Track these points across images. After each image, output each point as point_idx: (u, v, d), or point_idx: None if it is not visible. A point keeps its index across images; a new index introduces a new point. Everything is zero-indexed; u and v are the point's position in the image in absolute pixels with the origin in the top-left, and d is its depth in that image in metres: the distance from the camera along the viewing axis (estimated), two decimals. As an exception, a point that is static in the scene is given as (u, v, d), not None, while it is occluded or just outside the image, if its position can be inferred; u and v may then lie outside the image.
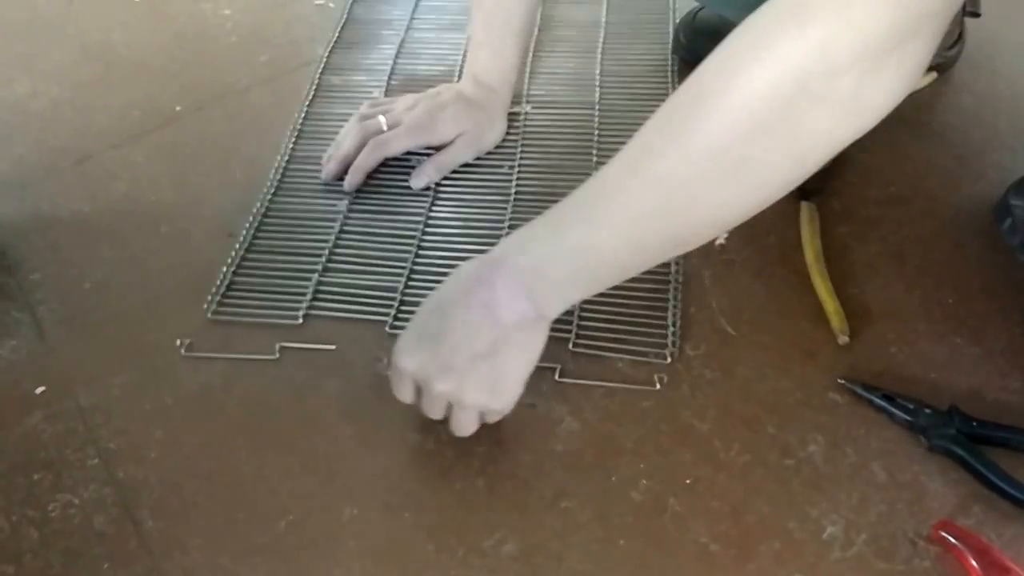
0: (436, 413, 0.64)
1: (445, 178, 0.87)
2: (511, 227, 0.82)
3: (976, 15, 0.92)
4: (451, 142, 0.87)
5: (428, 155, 0.87)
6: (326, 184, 0.87)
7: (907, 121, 0.89)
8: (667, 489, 0.64)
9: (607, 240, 0.57)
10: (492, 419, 0.65)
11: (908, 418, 0.65)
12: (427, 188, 0.86)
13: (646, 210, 0.55)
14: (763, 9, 0.49)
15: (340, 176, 0.86)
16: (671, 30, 1.03)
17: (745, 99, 0.49)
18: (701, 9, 0.98)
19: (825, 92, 0.48)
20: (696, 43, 0.96)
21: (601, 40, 1.03)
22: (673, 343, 0.72)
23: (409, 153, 0.87)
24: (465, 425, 0.64)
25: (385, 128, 0.86)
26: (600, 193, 0.58)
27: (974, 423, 0.64)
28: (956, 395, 0.67)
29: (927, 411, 0.65)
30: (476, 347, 0.60)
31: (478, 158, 0.89)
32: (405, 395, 0.65)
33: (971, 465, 0.63)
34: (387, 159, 0.87)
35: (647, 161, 0.55)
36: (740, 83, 0.49)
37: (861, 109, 0.50)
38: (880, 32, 0.46)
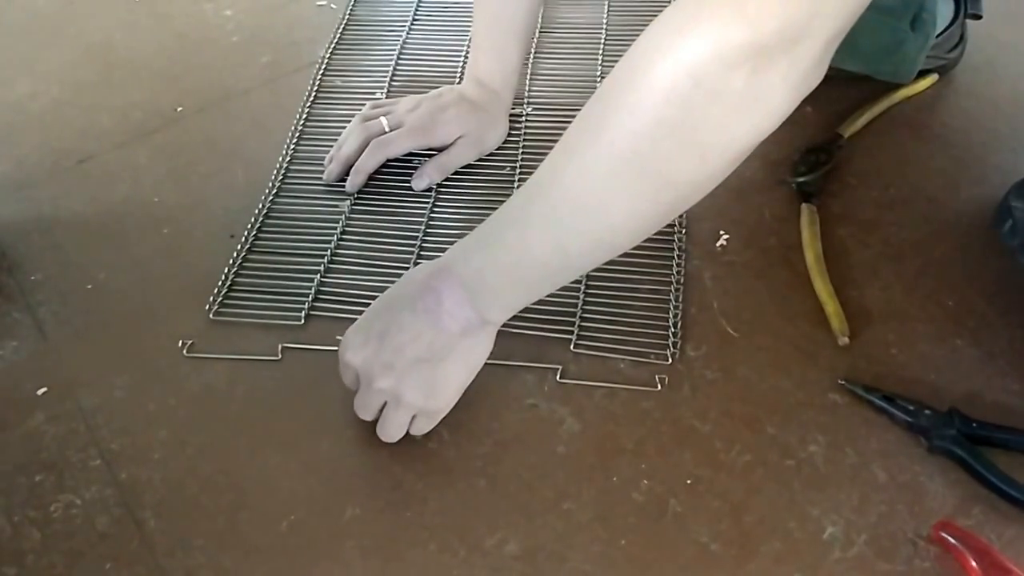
0: (370, 412, 0.66)
1: (446, 179, 0.87)
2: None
3: (977, 17, 0.92)
4: (453, 143, 0.87)
5: (430, 156, 0.87)
6: (328, 185, 0.87)
7: (908, 123, 0.90)
8: (668, 489, 0.64)
9: (535, 243, 0.60)
10: (421, 427, 0.67)
11: (908, 419, 0.66)
12: (428, 189, 0.86)
13: (565, 211, 0.58)
14: (669, 7, 0.51)
15: (342, 177, 0.86)
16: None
17: (647, 96, 0.51)
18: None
19: (719, 88, 0.49)
20: None
21: (602, 42, 1.03)
22: (674, 344, 0.72)
23: (411, 154, 0.88)
24: (394, 428, 0.66)
25: (387, 129, 0.86)
26: (528, 196, 0.60)
27: (974, 424, 0.65)
28: (956, 396, 0.68)
29: (927, 412, 0.65)
30: (418, 350, 0.63)
31: (479, 159, 0.89)
32: (349, 382, 0.68)
33: (971, 466, 0.63)
34: (389, 160, 0.87)
35: (566, 161, 0.57)
36: (643, 81, 0.51)
37: (755, 106, 0.51)
38: (771, 29, 0.47)
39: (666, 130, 0.51)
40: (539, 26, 1.04)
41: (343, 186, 0.86)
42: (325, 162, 0.88)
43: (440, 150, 0.87)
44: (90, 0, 1.14)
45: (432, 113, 0.87)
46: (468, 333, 0.64)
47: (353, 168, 0.86)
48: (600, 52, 1.01)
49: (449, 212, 0.84)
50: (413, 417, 0.66)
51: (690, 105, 0.50)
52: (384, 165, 0.87)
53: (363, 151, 0.86)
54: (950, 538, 0.59)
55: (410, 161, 0.88)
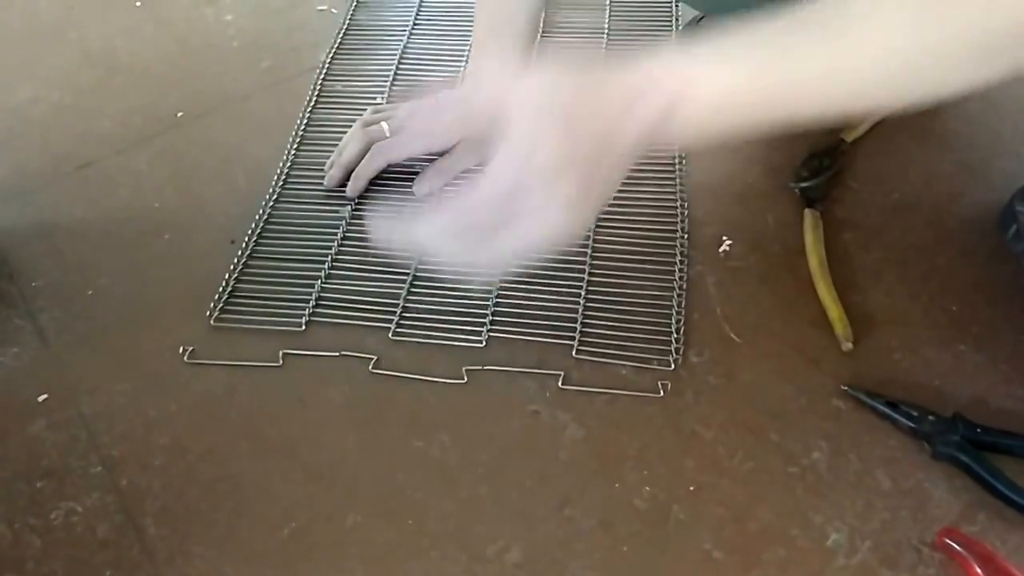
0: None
1: (447, 185, 0.87)
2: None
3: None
4: (454, 148, 0.87)
5: (432, 161, 0.87)
6: (329, 190, 0.87)
7: (911, 127, 0.89)
8: (671, 496, 0.64)
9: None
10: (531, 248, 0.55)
11: (912, 425, 0.65)
12: (430, 194, 0.86)
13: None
14: None
15: (343, 183, 0.86)
16: (674, 37, 1.02)
17: None
18: (703, 17, 0.98)
19: None
20: None
21: (603, 47, 1.03)
22: (677, 350, 0.72)
23: (413, 159, 0.87)
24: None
25: (388, 134, 0.86)
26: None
27: (978, 430, 0.64)
28: (960, 402, 0.67)
29: (931, 418, 0.65)
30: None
31: (480, 164, 0.89)
32: None
33: (976, 472, 0.63)
34: (390, 166, 0.87)
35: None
36: None
37: None
38: None
39: None
40: (540, 30, 1.04)
41: (344, 191, 0.86)
42: (326, 167, 0.88)
43: (442, 155, 0.87)
44: (90, 5, 1.14)
45: (433, 117, 0.86)
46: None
47: (353, 174, 0.85)
48: (601, 57, 1.01)
49: (451, 217, 0.84)
50: None
51: None
52: (385, 170, 0.87)
53: (364, 156, 0.85)
54: (955, 545, 0.59)
55: (412, 166, 0.88)
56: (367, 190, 0.86)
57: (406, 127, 0.86)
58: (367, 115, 0.90)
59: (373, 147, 0.85)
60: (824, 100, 0.52)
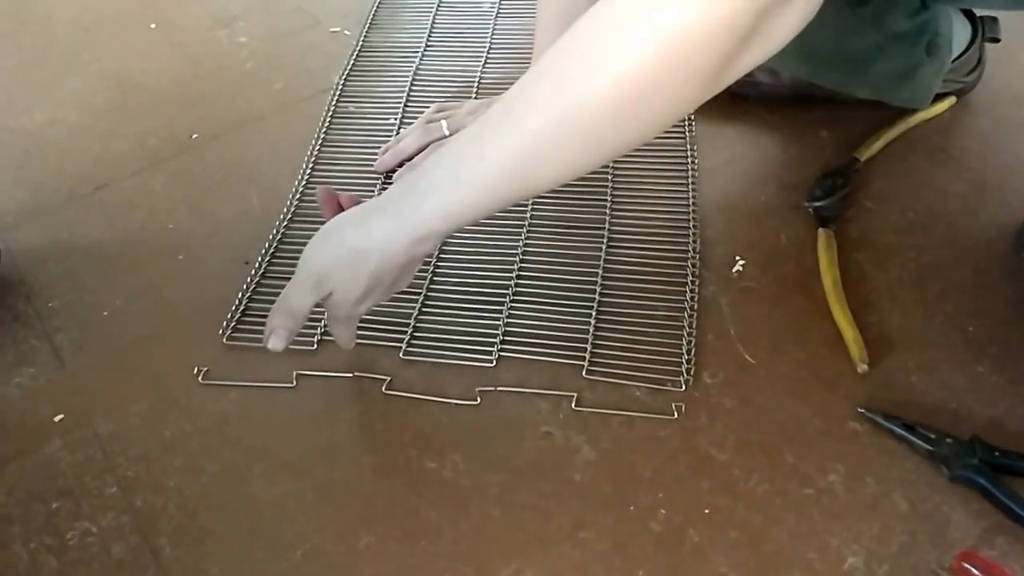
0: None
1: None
2: (524, 253, 0.82)
3: (995, 40, 0.92)
4: None
5: None
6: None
7: (925, 146, 0.89)
8: (686, 519, 0.63)
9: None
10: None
11: (930, 448, 0.65)
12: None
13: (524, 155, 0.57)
14: None
15: (392, 170, 0.89)
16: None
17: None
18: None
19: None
20: None
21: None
22: (689, 371, 0.72)
23: None
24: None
25: (447, 133, 0.89)
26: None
27: (997, 453, 0.64)
28: (978, 424, 0.67)
29: (949, 440, 0.65)
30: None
31: None
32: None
33: (994, 495, 0.62)
34: None
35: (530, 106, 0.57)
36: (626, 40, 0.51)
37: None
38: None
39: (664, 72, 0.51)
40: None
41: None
42: (380, 152, 0.91)
43: None
44: (106, 28, 1.15)
45: None
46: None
47: (408, 163, 0.88)
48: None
49: (462, 237, 0.84)
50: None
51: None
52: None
53: (419, 150, 0.88)
54: (973, 569, 0.58)
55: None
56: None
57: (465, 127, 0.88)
58: (429, 113, 0.92)
59: (433, 144, 0.88)
60: (501, 192, 0.59)
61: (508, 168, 0.57)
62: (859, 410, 0.68)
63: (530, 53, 0.92)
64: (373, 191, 0.89)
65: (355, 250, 0.62)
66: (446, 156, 0.60)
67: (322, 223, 0.85)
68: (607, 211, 0.85)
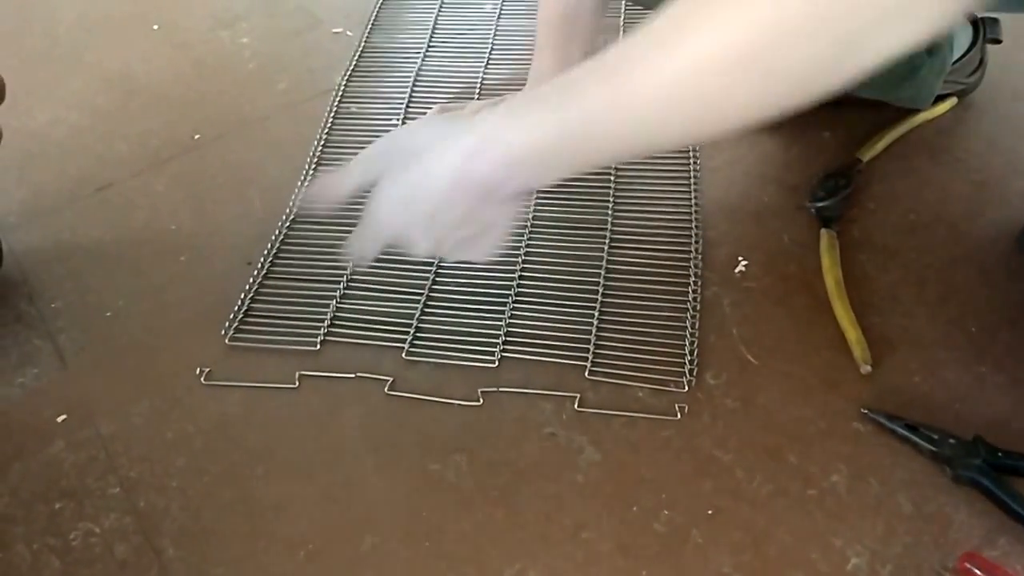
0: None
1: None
2: (527, 254, 0.82)
3: (997, 42, 0.92)
4: None
5: None
6: (345, 211, 0.87)
7: (927, 147, 0.89)
8: (689, 520, 0.63)
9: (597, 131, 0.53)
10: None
11: (933, 448, 0.65)
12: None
13: (650, 107, 0.50)
14: None
15: None
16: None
17: None
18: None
19: None
20: None
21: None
22: (691, 371, 0.72)
23: None
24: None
25: None
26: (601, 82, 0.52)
27: (1000, 453, 0.64)
28: (981, 425, 0.67)
29: (952, 441, 0.65)
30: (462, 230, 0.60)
31: None
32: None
33: (997, 496, 0.62)
34: None
35: (661, 52, 0.49)
36: None
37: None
38: None
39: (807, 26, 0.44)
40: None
41: (358, 209, 0.86)
42: None
43: None
44: (109, 29, 1.16)
45: None
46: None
47: None
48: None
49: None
50: None
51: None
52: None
53: None
54: (976, 570, 0.58)
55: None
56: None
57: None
58: (431, 114, 0.92)
59: None
60: (616, 141, 0.54)
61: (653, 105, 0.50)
62: (862, 410, 0.68)
63: (532, 53, 0.92)
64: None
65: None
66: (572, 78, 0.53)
67: (322, 223, 0.87)
68: (609, 212, 0.85)
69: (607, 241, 0.82)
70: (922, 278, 0.78)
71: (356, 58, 1.07)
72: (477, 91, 1.00)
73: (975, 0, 0.46)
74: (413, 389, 0.72)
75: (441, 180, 0.57)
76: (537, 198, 0.87)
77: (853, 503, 0.64)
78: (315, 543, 0.64)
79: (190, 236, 0.87)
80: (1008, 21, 0.93)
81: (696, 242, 0.82)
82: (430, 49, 1.08)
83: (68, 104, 1.03)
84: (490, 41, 1.08)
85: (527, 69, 0.90)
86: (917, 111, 0.91)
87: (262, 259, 0.83)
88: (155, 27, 1.15)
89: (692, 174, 0.88)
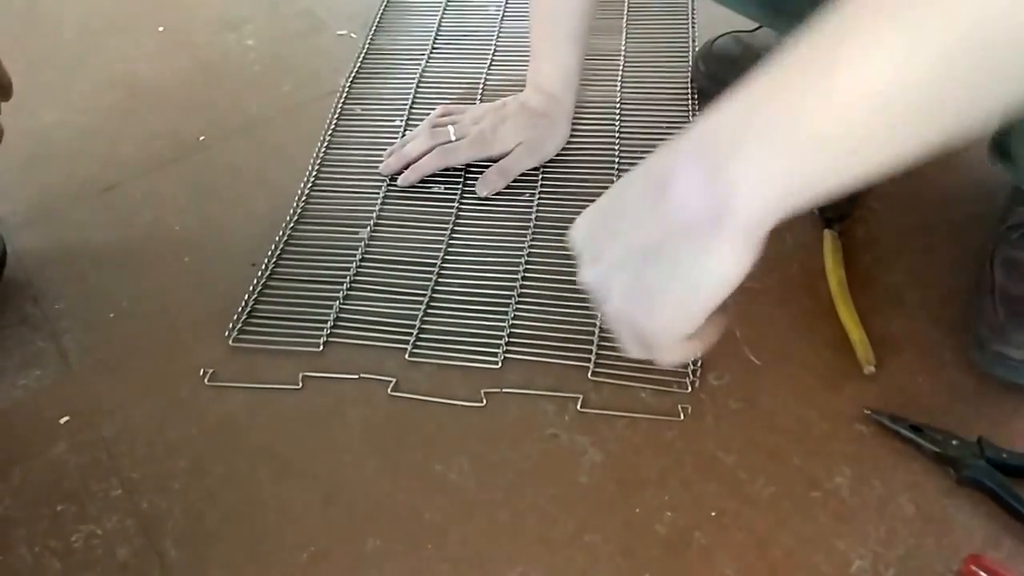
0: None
1: (465, 206, 0.87)
2: (530, 255, 0.82)
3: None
4: (512, 150, 0.89)
5: (485, 166, 0.90)
6: (347, 213, 0.88)
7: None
8: (692, 522, 0.63)
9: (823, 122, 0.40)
10: (656, 353, 0.51)
11: (936, 450, 0.64)
12: (448, 217, 0.86)
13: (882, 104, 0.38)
14: None
15: (396, 172, 0.90)
16: (690, 59, 1.03)
17: None
18: (719, 38, 0.99)
19: None
20: (715, 70, 0.96)
21: (621, 69, 1.03)
22: (694, 372, 0.71)
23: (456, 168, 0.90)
24: (627, 342, 0.51)
25: (453, 138, 0.90)
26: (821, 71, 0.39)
27: (1004, 454, 0.63)
28: (985, 426, 0.66)
29: (955, 442, 0.64)
30: (634, 241, 0.46)
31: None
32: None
33: (1001, 498, 0.62)
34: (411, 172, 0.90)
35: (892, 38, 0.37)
36: None
37: None
38: None
39: None
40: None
41: (362, 213, 0.87)
42: (385, 155, 0.92)
43: (499, 159, 0.90)
44: (114, 31, 1.16)
45: (494, 126, 0.90)
46: (698, 229, 0.43)
47: (413, 166, 0.89)
48: (619, 79, 1.01)
49: (467, 239, 0.84)
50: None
51: None
52: (406, 189, 0.89)
53: (425, 154, 0.89)
54: (981, 572, 0.58)
55: (432, 182, 0.89)
56: (385, 212, 0.88)
57: (469, 134, 0.89)
58: (434, 116, 0.93)
59: (438, 148, 0.89)
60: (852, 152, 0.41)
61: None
62: (865, 412, 0.68)
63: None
64: (378, 193, 0.89)
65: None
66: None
67: (325, 224, 0.87)
68: (613, 213, 0.85)
69: (610, 242, 0.82)
70: (926, 279, 0.77)
71: (360, 60, 1.07)
72: (480, 92, 1.00)
73: None
74: (416, 390, 0.72)
75: (719, 290, 0.46)
76: (540, 198, 0.87)
77: (856, 505, 0.63)
78: (317, 545, 0.64)
79: (194, 237, 0.87)
80: None
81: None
82: (434, 51, 1.08)
83: (73, 106, 1.04)
84: (493, 43, 1.08)
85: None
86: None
87: (266, 260, 0.83)
88: (160, 29, 1.16)
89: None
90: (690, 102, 0.98)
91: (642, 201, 0.46)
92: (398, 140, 0.93)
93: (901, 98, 0.38)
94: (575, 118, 0.95)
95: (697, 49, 1.02)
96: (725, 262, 0.44)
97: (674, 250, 0.45)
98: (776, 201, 0.43)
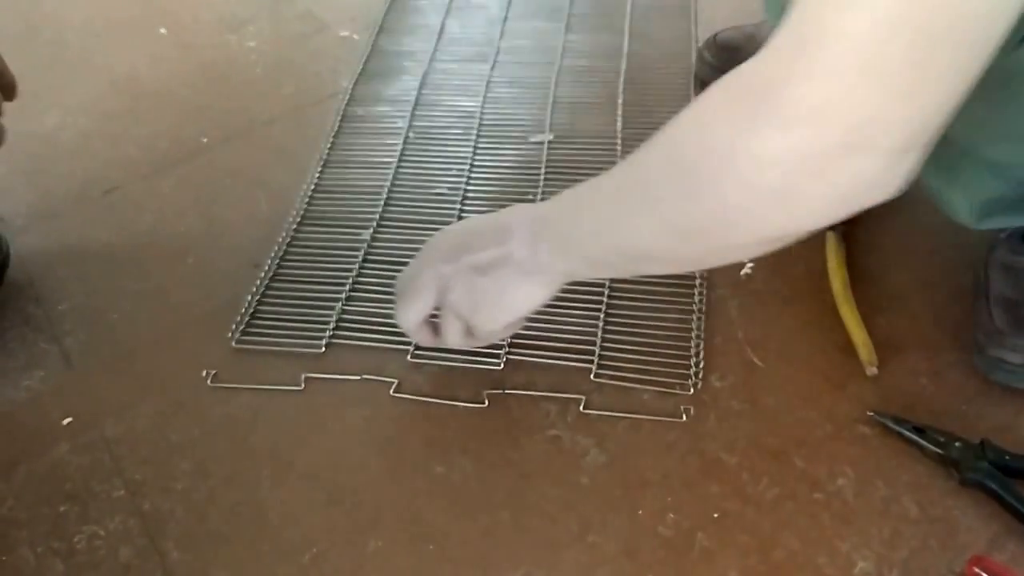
0: (423, 304, 0.66)
1: (467, 207, 0.87)
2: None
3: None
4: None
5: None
6: (350, 214, 0.88)
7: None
8: (695, 523, 0.63)
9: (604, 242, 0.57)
10: (472, 341, 0.67)
11: (939, 451, 0.64)
12: (450, 219, 0.86)
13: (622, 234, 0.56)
14: (722, 92, 0.49)
15: None
16: (692, 59, 1.03)
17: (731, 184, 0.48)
18: (720, 32, 0.99)
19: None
20: (721, 59, 0.96)
21: (623, 69, 1.03)
22: (697, 374, 0.71)
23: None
24: (449, 332, 0.67)
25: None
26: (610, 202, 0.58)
27: (1007, 456, 0.63)
28: (988, 427, 0.66)
29: (958, 444, 0.64)
30: (479, 260, 0.63)
31: (501, 189, 0.89)
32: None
33: (1004, 499, 0.62)
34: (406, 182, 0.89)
35: (641, 210, 0.55)
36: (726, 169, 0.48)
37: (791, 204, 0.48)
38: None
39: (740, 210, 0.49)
40: (561, 53, 1.05)
41: (364, 215, 0.87)
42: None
43: None
44: (117, 33, 1.16)
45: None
46: (519, 268, 0.61)
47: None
48: (621, 79, 1.01)
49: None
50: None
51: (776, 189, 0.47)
52: (406, 194, 0.89)
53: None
54: (984, 574, 0.58)
55: (435, 179, 0.89)
56: (387, 214, 0.87)
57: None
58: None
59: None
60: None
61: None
62: (868, 413, 0.68)
63: (537, 56, 0.91)
64: (380, 194, 0.89)
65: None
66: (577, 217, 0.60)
67: (328, 226, 0.87)
68: (615, 214, 0.85)
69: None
70: (929, 281, 0.77)
71: (363, 62, 1.07)
72: (483, 92, 1.00)
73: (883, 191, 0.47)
74: (418, 391, 0.72)
75: (522, 310, 0.65)
76: (542, 199, 0.87)
77: (859, 507, 0.63)
78: (320, 546, 0.64)
79: (197, 239, 0.87)
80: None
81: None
82: (437, 53, 1.08)
83: (76, 108, 1.04)
84: (496, 44, 1.08)
85: (530, 71, 0.91)
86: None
87: (269, 262, 0.83)
88: (162, 31, 1.16)
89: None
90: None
91: (490, 236, 0.63)
92: (400, 142, 0.92)
93: (632, 257, 0.57)
94: (578, 116, 0.95)
95: (700, 44, 1.02)
96: (531, 294, 0.63)
97: (501, 275, 0.62)
98: (570, 275, 0.63)
